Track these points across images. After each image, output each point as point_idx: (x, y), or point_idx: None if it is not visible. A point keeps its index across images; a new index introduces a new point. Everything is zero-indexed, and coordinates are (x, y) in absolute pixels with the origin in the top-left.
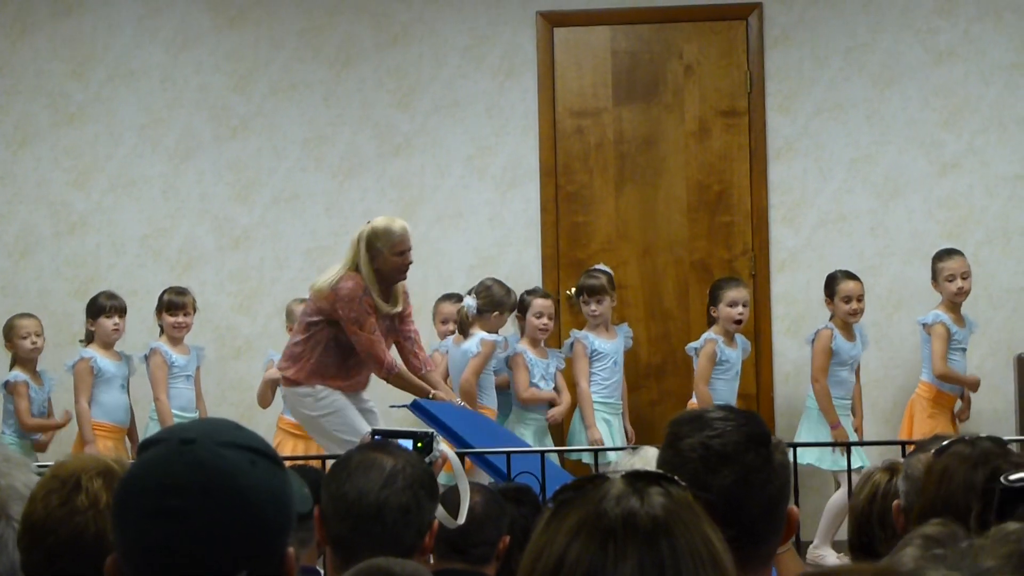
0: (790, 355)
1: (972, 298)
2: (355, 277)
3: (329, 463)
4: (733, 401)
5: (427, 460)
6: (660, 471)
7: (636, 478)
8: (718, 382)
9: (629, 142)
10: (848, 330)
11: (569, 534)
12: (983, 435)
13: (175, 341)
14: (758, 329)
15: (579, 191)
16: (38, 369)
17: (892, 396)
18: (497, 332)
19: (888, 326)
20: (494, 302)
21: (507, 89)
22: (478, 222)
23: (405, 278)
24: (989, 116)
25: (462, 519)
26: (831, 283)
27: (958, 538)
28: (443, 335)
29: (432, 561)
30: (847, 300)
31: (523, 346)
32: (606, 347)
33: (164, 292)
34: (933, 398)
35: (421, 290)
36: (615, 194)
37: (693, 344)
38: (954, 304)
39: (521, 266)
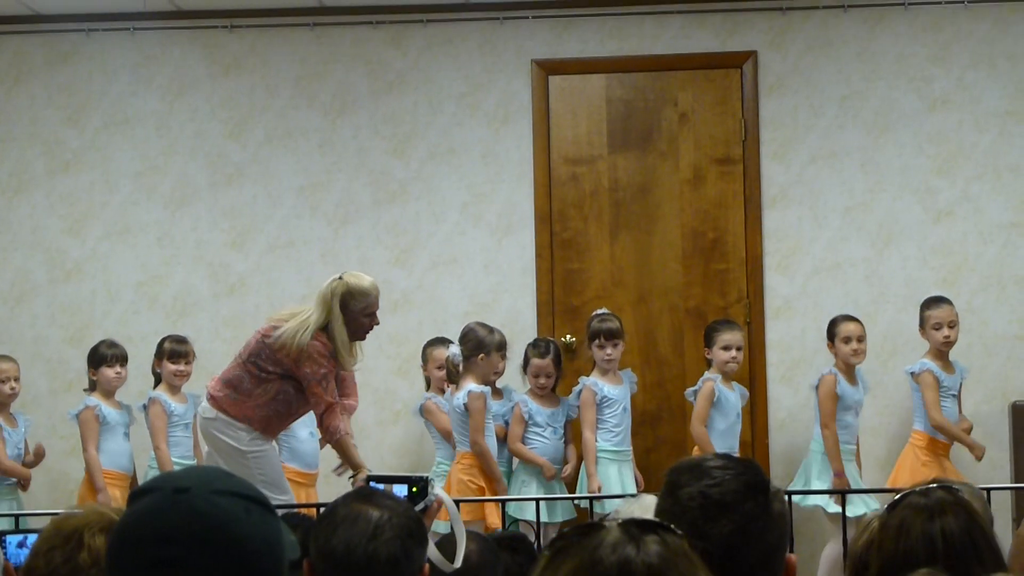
0: (785, 402)
1: (966, 345)
2: (322, 336)
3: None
4: (735, 445)
5: (423, 504)
6: (657, 519)
7: (632, 526)
8: (717, 423)
9: (624, 189)
10: (850, 374)
11: None
12: (935, 485)
13: (174, 389)
14: (753, 376)
15: (574, 238)
16: (12, 412)
17: (887, 444)
18: (490, 375)
19: (883, 374)
20: (477, 345)
21: (502, 136)
22: (473, 268)
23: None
24: (983, 163)
25: (458, 563)
26: (832, 326)
27: None
28: (439, 381)
29: None
30: (847, 341)
31: (526, 396)
32: (615, 393)
33: (164, 340)
34: (927, 446)
35: (416, 336)
36: (610, 241)
37: (691, 388)
38: (941, 352)
39: (516, 312)
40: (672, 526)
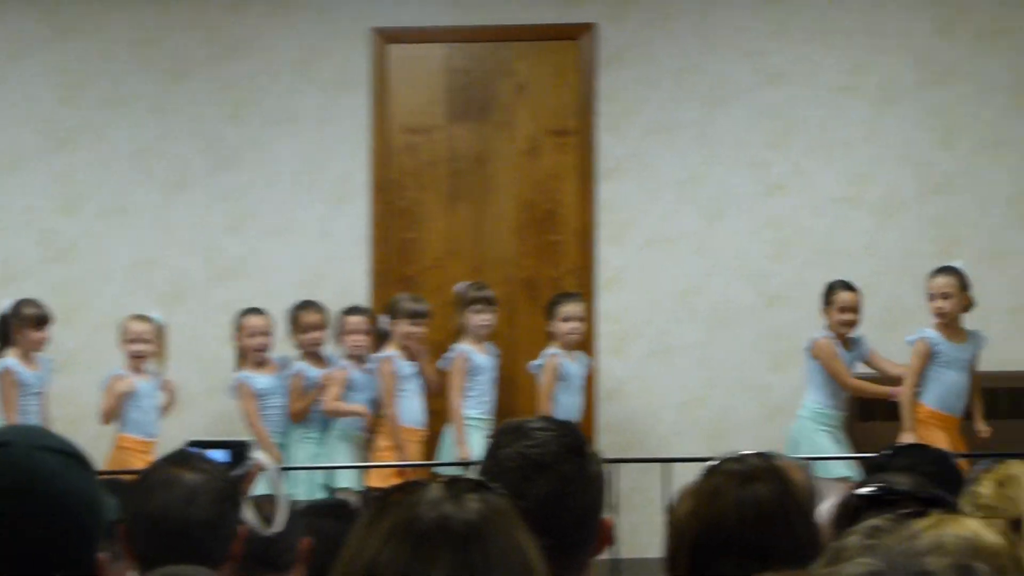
0: (615, 372)
1: (795, 319)
2: None
3: None
4: (577, 416)
5: (242, 469)
6: (478, 478)
7: (453, 484)
8: (561, 397)
9: (461, 160)
10: (845, 339)
11: (383, 538)
12: (751, 452)
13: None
14: (583, 347)
15: (410, 207)
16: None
17: (712, 415)
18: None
19: (711, 346)
20: (390, 311)
21: (339, 104)
22: (307, 237)
23: None
24: (816, 138)
25: (279, 526)
26: (829, 292)
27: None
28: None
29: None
30: (843, 311)
31: (347, 362)
32: (484, 362)
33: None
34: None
35: (246, 305)
36: (446, 211)
37: (535, 362)
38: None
39: (350, 282)
40: (494, 485)
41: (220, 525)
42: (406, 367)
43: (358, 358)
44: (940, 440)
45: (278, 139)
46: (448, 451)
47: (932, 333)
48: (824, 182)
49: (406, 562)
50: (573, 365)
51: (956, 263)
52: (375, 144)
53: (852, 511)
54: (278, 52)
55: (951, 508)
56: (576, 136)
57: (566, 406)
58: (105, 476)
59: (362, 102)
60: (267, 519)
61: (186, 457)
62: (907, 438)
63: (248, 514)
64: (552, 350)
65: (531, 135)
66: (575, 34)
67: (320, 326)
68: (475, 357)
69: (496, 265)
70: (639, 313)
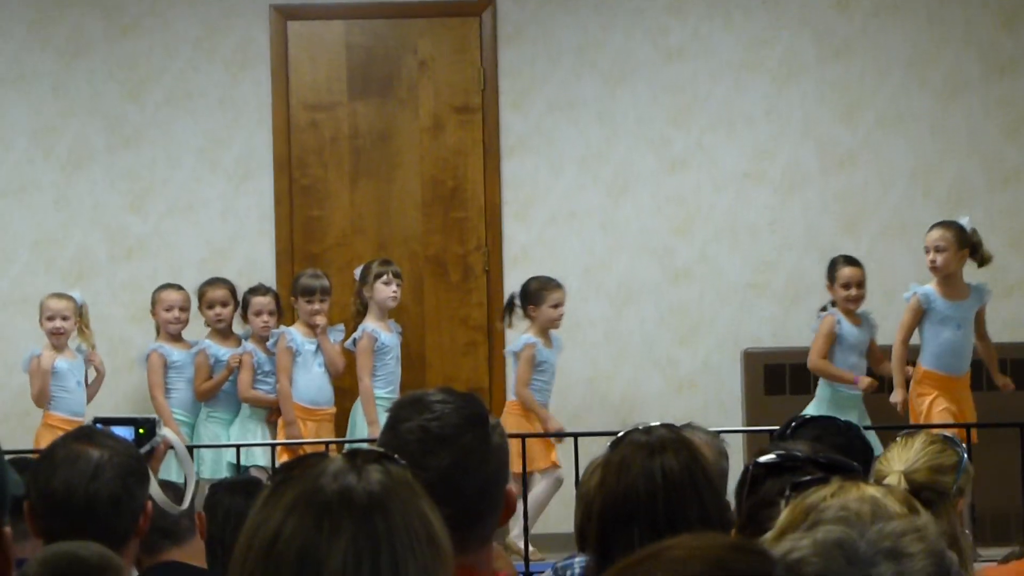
0: None
1: (699, 294)
2: None
3: None
4: (549, 400)
5: (149, 446)
6: (380, 449)
7: (355, 456)
8: (536, 383)
9: (364, 136)
10: (852, 315)
11: (285, 510)
12: (657, 423)
13: None
14: (491, 323)
15: (313, 185)
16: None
17: (620, 389)
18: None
19: (617, 321)
20: (294, 288)
21: (240, 81)
22: (210, 215)
23: None
24: (717, 114)
25: (186, 504)
26: (832, 268)
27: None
28: (166, 324)
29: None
30: (846, 287)
31: (253, 345)
32: (390, 340)
33: None
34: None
35: (150, 283)
36: (350, 189)
37: (512, 347)
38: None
39: (254, 260)
40: (396, 456)
41: (125, 501)
42: (306, 344)
43: (264, 338)
44: (940, 400)
45: (179, 117)
46: (360, 431)
47: (927, 289)
48: (726, 158)
49: (309, 533)
50: (549, 352)
51: (962, 219)
52: (277, 121)
53: (753, 479)
54: (177, 30)
55: (852, 474)
56: (479, 113)
57: (542, 393)
58: (10, 455)
59: (263, 79)
60: (175, 496)
61: (91, 433)
62: (897, 396)
63: (155, 490)
64: (530, 337)
65: (434, 112)
66: (476, 10)
67: (225, 302)
68: (382, 335)
69: (402, 242)
70: None
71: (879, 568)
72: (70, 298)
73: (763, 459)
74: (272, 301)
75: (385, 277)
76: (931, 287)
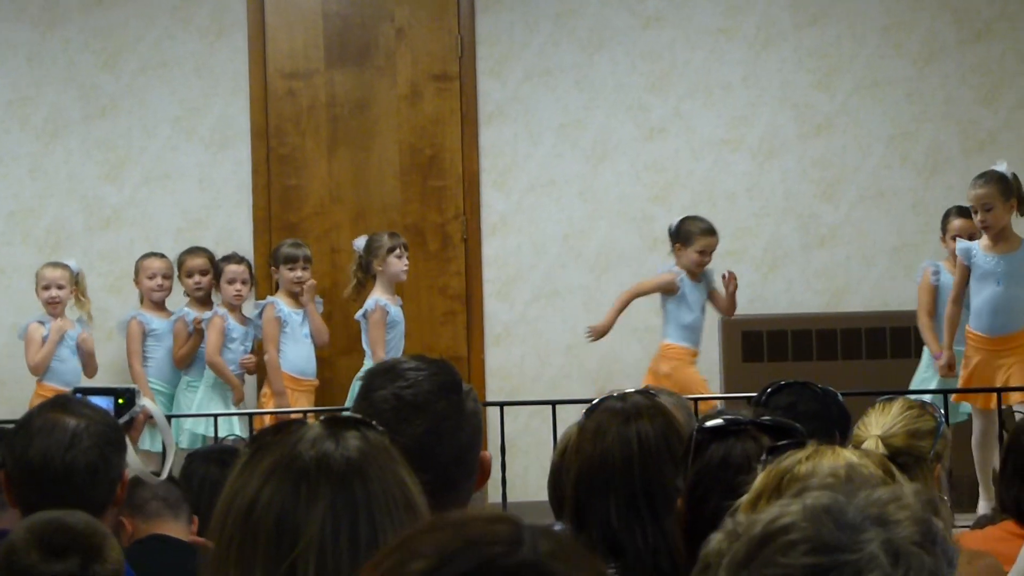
0: (501, 317)
1: None
2: None
3: None
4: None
5: (128, 416)
6: (358, 416)
7: (334, 423)
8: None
9: (341, 105)
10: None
11: (263, 476)
12: (632, 389)
13: None
14: (469, 292)
15: (291, 154)
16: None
17: (598, 357)
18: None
19: (596, 289)
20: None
21: (216, 50)
22: (187, 184)
23: None
24: (695, 81)
25: (165, 473)
26: (944, 220)
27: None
28: (149, 292)
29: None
30: (956, 239)
31: (225, 310)
32: (398, 314)
33: None
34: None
35: (128, 253)
36: (328, 157)
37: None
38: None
39: (231, 229)
40: (374, 422)
41: (103, 470)
42: (292, 314)
43: (237, 307)
44: (977, 362)
45: (155, 86)
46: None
47: (968, 245)
48: (704, 125)
49: (287, 499)
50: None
51: (999, 166)
52: (253, 90)
53: (698, 445)
54: None
55: (800, 438)
56: (457, 81)
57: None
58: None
59: (239, 47)
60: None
61: (67, 402)
62: (940, 360)
63: (133, 460)
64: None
65: (412, 80)
66: None
67: (204, 271)
68: (392, 309)
69: (380, 211)
70: (524, 258)
71: (868, 534)
72: (66, 267)
73: (707, 424)
74: (246, 270)
75: (397, 251)
76: (976, 243)
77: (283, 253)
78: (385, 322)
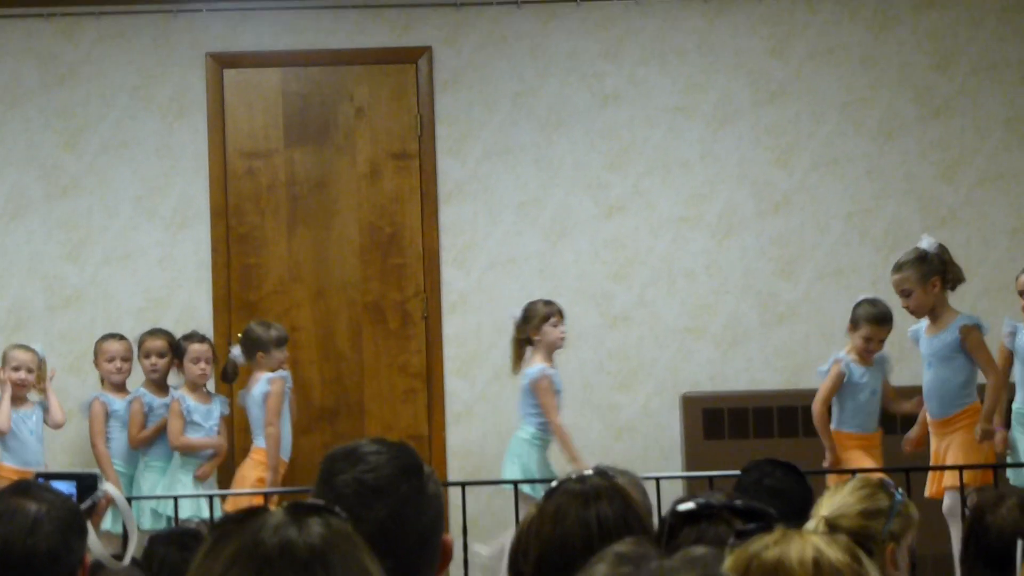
0: (462, 395)
1: (637, 338)
2: None
3: None
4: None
5: (91, 501)
6: (319, 502)
7: (296, 509)
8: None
9: (301, 184)
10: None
11: (225, 563)
12: (591, 471)
13: None
14: (430, 370)
15: (251, 232)
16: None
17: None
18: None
19: (558, 367)
20: (254, 343)
21: (177, 130)
22: (148, 263)
23: None
24: (653, 159)
25: (128, 559)
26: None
27: (649, 557)
28: (108, 374)
29: None
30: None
31: (182, 392)
32: (559, 381)
33: None
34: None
35: (88, 333)
36: (287, 236)
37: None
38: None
39: (192, 308)
40: (336, 508)
41: (64, 555)
42: (288, 392)
43: (201, 386)
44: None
45: (116, 165)
46: None
47: (918, 327)
48: (663, 202)
49: None
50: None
51: (922, 243)
52: (213, 169)
53: (671, 529)
54: (114, 78)
55: (770, 521)
56: (417, 159)
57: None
58: None
59: (199, 127)
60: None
61: (28, 487)
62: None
63: (95, 545)
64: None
65: (371, 158)
66: (412, 57)
67: (162, 353)
68: (555, 376)
69: (340, 289)
70: (484, 336)
71: None
72: (33, 351)
73: (680, 508)
74: (209, 349)
75: (553, 319)
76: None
77: (274, 336)
78: (552, 389)
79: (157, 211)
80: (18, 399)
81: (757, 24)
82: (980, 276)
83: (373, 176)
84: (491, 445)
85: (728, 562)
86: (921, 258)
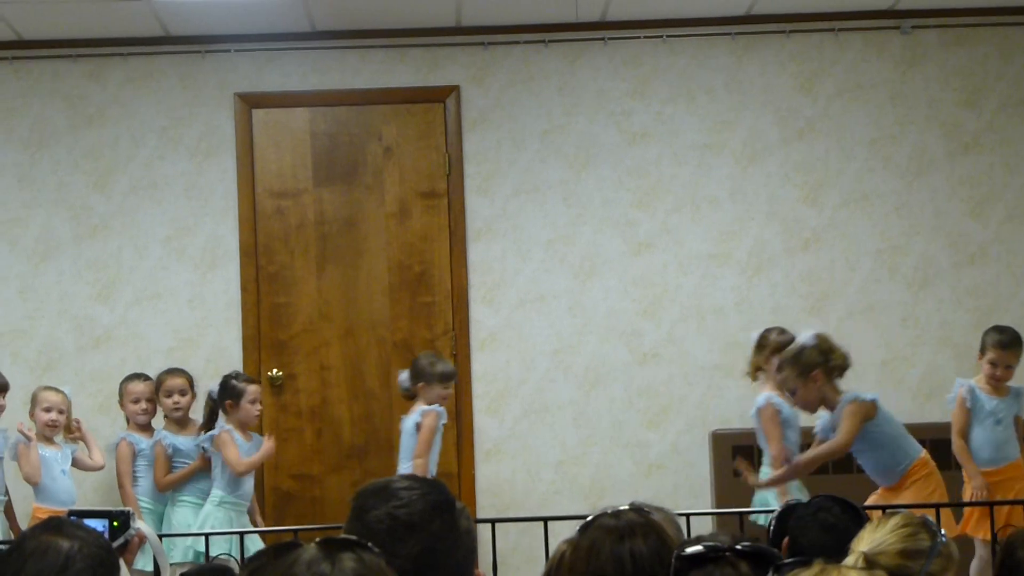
0: (491, 432)
1: (667, 375)
2: None
3: None
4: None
5: (123, 539)
6: (352, 537)
7: (329, 544)
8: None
9: (330, 223)
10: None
11: None
12: (626, 506)
13: None
14: (459, 408)
15: (280, 272)
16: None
17: (590, 472)
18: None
19: (586, 404)
20: (418, 373)
21: (205, 170)
22: (177, 303)
23: None
24: (682, 196)
25: None
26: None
27: None
28: (134, 415)
29: None
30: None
31: (229, 425)
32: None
33: None
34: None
35: (118, 372)
36: (316, 274)
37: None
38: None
39: (222, 347)
40: (369, 544)
41: None
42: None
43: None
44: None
45: (145, 206)
46: None
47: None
48: (692, 239)
49: None
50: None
51: (801, 338)
52: (243, 209)
53: (677, 572)
54: (143, 119)
55: (774, 560)
56: (445, 198)
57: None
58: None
59: (228, 167)
60: None
61: (61, 525)
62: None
63: None
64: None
65: (400, 197)
66: (441, 96)
67: (183, 391)
68: (784, 407)
69: (369, 328)
70: (514, 373)
71: None
72: (63, 393)
73: (687, 551)
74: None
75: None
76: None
77: (440, 372)
78: (778, 420)
79: (186, 251)
80: (47, 440)
81: (785, 61)
82: (1010, 312)
83: (402, 215)
84: (520, 482)
85: None
86: (797, 356)
